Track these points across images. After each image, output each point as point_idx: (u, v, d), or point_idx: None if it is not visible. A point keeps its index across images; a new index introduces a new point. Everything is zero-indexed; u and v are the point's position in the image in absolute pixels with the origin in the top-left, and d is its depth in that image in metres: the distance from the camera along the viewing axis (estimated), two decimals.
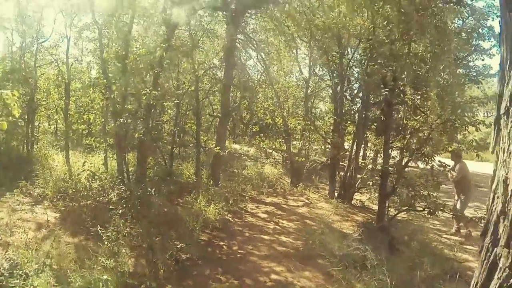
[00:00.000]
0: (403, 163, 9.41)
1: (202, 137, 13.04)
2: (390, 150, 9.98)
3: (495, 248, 1.81)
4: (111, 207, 8.44)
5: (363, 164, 13.90)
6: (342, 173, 13.56)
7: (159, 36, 11.05)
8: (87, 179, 9.66)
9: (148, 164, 11.38)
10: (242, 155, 18.00)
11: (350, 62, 14.41)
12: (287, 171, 16.39)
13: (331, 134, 14.39)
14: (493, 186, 1.92)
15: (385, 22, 10.05)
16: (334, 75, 14.40)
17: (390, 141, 10.11)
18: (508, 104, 1.83)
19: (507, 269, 1.72)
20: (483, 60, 19.93)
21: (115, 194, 9.13)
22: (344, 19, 12.55)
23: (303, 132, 14.75)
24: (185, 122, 14.53)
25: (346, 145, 15.65)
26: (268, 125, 18.43)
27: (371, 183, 10.64)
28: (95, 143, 11.07)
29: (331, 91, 15.78)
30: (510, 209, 1.72)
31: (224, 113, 12.99)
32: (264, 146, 17.28)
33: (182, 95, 12.64)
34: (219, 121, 13.63)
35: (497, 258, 1.79)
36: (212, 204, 9.63)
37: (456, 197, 10.51)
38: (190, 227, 8.22)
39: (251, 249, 7.97)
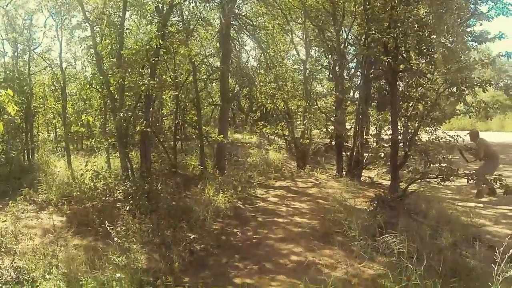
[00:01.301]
0: (413, 131, 9.18)
1: (204, 127, 12.83)
2: (397, 120, 9.76)
3: None
4: (118, 204, 8.30)
5: (368, 140, 13.74)
6: (348, 152, 13.40)
7: (153, 26, 10.85)
8: (91, 179, 9.44)
9: (152, 159, 11.22)
10: (245, 144, 17.81)
11: (347, 40, 14.27)
12: (292, 155, 16.29)
13: (333, 112, 14.17)
14: None
15: None
16: (333, 53, 14.23)
17: (397, 110, 9.93)
18: None
19: None
20: (481, 24, 19.51)
21: (121, 191, 9.03)
22: None
23: (305, 114, 14.53)
24: (185, 114, 14.32)
25: (348, 125, 15.46)
26: (269, 110, 18.21)
27: (382, 154, 10.39)
28: (96, 144, 10.91)
29: (328, 72, 15.62)
30: None
31: (225, 101, 12.77)
32: (267, 131, 17.05)
33: (180, 86, 12.42)
34: (220, 110, 13.44)
35: None
36: (221, 192, 9.46)
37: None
38: (201, 217, 7.99)
39: (266, 233, 7.77)
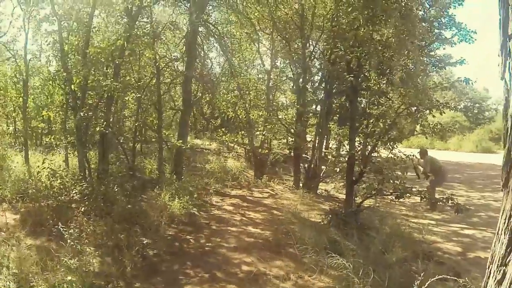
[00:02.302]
0: (369, 148, 9.48)
1: (164, 131, 12.84)
2: (355, 136, 10.07)
3: None
4: (73, 205, 8.17)
5: (327, 153, 14.03)
6: (306, 164, 13.62)
7: (120, 27, 10.82)
8: (47, 177, 9.27)
9: (110, 160, 11.16)
10: (205, 150, 17.85)
11: (313, 54, 14.50)
12: (250, 164, 16.33)
13: (294, 125, 14.41)
14: (509, 111, 1.88)
15: (350, 8, 10.08)
16: (297, 65, 14.46)
17: (356, 127, 10.21)
18: None
19: None
20: (444, 49, 20.36)
21: (77, 191, 8.83)
22: (307, 10, 12.65)
23: (265, 124, 14.72)
24: (146, 117, 14.30)
25: (309, 137, 15.74)
26: (230, 118, 18.24)
27: (338, 169, 10.66)
28: (55, 141, 10.77)
29: (292, 83, 15.85)
30: None
31: (186, 106, 12.81)
32: (226, 139, 17.17)
33: (143, 88, 12.41)
34: (181, 115, 13.44)
35: None
36: (177, 198, 9.44)
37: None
38: (155, 222, 8.02)
39: (219, 242, 7.85)
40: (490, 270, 1.93)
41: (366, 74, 10.15)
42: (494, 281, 1.83)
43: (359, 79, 9.89)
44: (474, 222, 10.17)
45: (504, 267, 1.78)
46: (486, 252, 7.57)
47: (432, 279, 4.14)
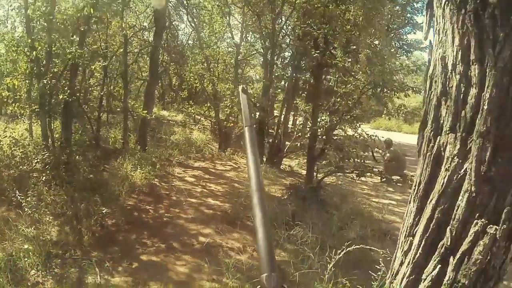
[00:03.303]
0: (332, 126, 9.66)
1: (130, 101, 12.82)
2: (319, 113, 10.25)
3: (438, 137, 1.70)
4: (34, 174, 8.16)
5: (291, 129, 14.19)
6: (270, 139, 13.82)
7: None
8: (9, 146, 9.24)
9: (74, 129, 11.13)
10: (171, 121, 17.84)
11: (283, 29, 14.53)
12: (215, 137, 16.42)
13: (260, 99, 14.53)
14: (429, 71, 1.84)
15: None
16: (266, 40, 14.51)
17: (320, 104, 10.39)
18: None
19: (455, 157, 1.60)
20: (415, 33, 20.54)
21: (38, 161, 8.79)
22: None
23: (232, 97, 14.79)
24: (113, 86, 14.19)
25: (277, 113, 15.90)
26: (197, 90, 18.39)
27: (299, 145, 10.91)
28: (18, 110, 10.68)
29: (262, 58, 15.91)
30: (452, 86, 1.62)
31: (152, 77, 12.77)
32: (192, 111, 17.23)
33: (110, 57, 12.35)
34: (147, 85, 13.38)
35: (442, 147, 1.68)
36: (139, 168, 9.48)
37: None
38: (116, 192, 8.07)
39: (178, 213, 7.95)
40: (400, 240, 1.94)
41: (332, 51, 10.28)
42: (401, 252, 1.83)
43: (325, 56, 10.03)
44: None
45: (411, 238, 1.79)
46: None
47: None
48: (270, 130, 14.53)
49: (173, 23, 17.04)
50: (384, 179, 10.76)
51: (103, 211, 7.18)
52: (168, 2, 13.17)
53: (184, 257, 6.19)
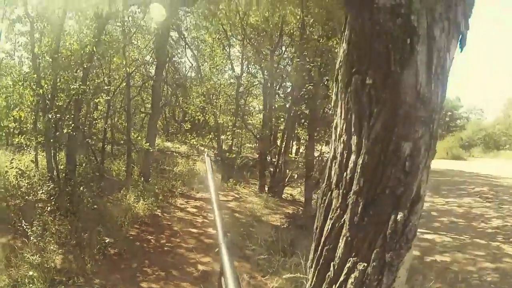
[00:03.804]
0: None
1: (133, 134, 13.08)
2: (314, 143, 10.45)
3: (329, 192, 1.94)
4: (40, 204, 8.36)
5: (293, 158, 14.34)
6: (272, 169, 13.98)
7: (90, 31, 11.01)
8: (15, 177, 9.48)
9: (80, 161, 11.36)
10: (174, 153, 18.06)
11: (282, 60, 14.83)
12: (218, 168, 16.51)
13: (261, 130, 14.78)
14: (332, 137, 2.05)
15: (312, 20, 10.49)
16: (265, 72, 14.81)
17: (316, 134, 10.60)
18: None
19: (338, 209, 1.86)
20: None
21: (44, 191, 9.04)
22: (277, 18, 12.99)
23: (233, 129, 15.05)
24: (116, 119, 14.47)
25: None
26: (200, 122, 18.68)
27: (296, 175, 11.09)
28: (25, 141, 10.91)
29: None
30: (338, 153, 1.88)
31: (155, 110, 13.05)
32: (195, 143, 17.48)
33: (113, 91, 12.66)
34: (149, 118, 13.63)
35: (332, 201, 1.93)
36: (142, 199, 9.72)
37: None
38: (119, 222, 8.29)
39: (179, 242, 8.12)
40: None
41: (325, 83, 10.56)
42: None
43: (319, 88, 10.29)
44: (435, 227, 10.39)
45: (310, 269, 2.09)
46: (443, 255, 8.02)
47: None
48: (272, 159, 14.69)
49: (175, 57, 17.42)
50: None
51: (106, 241, 7.40)
52: (169, 36, 13.49)
53: (182, 284, 6.37)
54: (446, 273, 6.98)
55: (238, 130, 15.09)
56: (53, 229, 7.21)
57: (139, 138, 12.91)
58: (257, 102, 19.18)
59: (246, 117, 15.99)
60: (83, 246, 6.97)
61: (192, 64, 19.47)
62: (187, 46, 17.56)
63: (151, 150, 11.84)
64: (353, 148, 1.79)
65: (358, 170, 1.75)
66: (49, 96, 10.11)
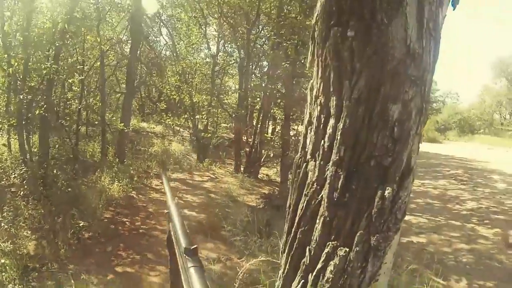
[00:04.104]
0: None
1: (108, 114, 12.94)
2: (289, 122, 10.42)
3: (304, 164, 1.72)
4: (12, 189, 8.24)
5: (269, 138, 14.33)
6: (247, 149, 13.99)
7: (62, 9, 10.75)
8: None
9: (54, 143, 11.20)
10: (150, 133, 17.93)
11: (258, 39, 14.72)
12: (194, 148, 16.44)
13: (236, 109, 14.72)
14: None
15: None
16: (242, 51, 14.70)
17: (291, 114, 10.57)
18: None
19: (314, 183, 1.64)
20: None
21: (16, 175, 8.87)
22: None
23: (209, 108, 14.98)
24: (91, 100, 14.27)
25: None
26: (175, 102, 18.52)
27: (271, 155, 11.10)
28: None
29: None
30: (314, 117, 1.67)
31: (129, 90, 12.89)
32: (171, 123, 17.39)
33: (87, 71, 12.46)
34: (124, 98, 13.49)
35: (307, 174, 1.71)
36: (116, 181, 9.63)
37: None
38: (93, 205, 8.16)
39: (154, 224, 8.09)
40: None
41: (302, 62, 10.51)
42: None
43: (296, 66, 10.24)
44: (411, 208, 10.36)
45: (283, 254, 1.89)
46: (419, 237, 8.13)
47: None
48: (248, 139, 14.67)
49: (151, 35, 17.19)
50: None
51: (80, 225, 7.29)
52: (144, 14, 13.29)
53: (158, 268, 6.33)
54: (422, 254, 7.08)
55: (214, 110, 15.02)
56: (26, 214, 7.07)
57: (114, 118, 12.77)
58: (233, 81, 19.12)
59: (222, 96, 15.91)
60: (56, 231, 6.85)
61: (167, 43, 19.30)
62: (162, 24, 17.34)
63: (126, 131, 11.73)
64: (332, 111, 1.59)
65: (338, 137, 1.54)
66: (21, 77, 9.88)
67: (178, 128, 18.72)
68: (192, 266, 1.18)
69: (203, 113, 15.01)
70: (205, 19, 15.73)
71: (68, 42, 10.86)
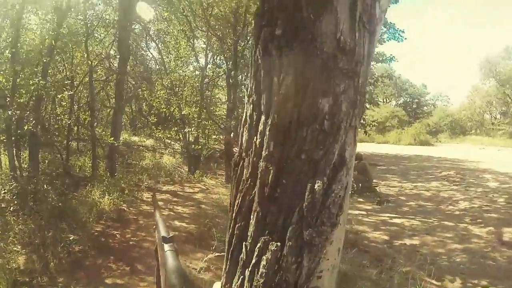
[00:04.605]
0: None
1: (98, 129, 12.98)
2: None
3: (241, 161, 1.72)
4: (2, 205, 8.22)
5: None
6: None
7: (49, 25, 10.81)
8: None
9: (44, 158, 11.22)
10: (141, 147, 17.97)
11: (246, 50, 14.84)
12: (185, 160, 16.52)
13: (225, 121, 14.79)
14: None
15: None
16: (229, 63, 14.80)
17: None
18: None
19: (248, 180, 1.64)
20: (377, 46, 20.75)
21: (6, 191, 8.83)
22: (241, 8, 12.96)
23: (198, 120, 15.04)
24: (81, 114, 14.30)
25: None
26: (166, 115, 18.63)
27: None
28: None
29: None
30: (248, 115, 1.68)
31: (118, 104, 12.95)
32: (161, 136, 17.42)
33: (75, 86, 12.52)
34: (113, 112, 13.55)
35: (243, 171, 1.70)
36: (107, 195, 9.63)
37: None
38: (83, 219, 8.17)
39: (144, 236, 8.06)
40: None
41: None
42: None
43: None
44: (403, 211, 10.67)
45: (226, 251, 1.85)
46: (412, 239, 8.17)
47: None
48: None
49: (139, 50, 17.29)
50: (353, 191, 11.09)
51: (70, 238, 7.29)
52: (131, 29, 13.38)
53: (147, 279, 6.33)
54: (416, 255, 7.15)
55: (204, 122, 15.09)
56: (16, 229, 7.08)
57: (104, 133, 12.82)
58: (223, 93, 19.24)
59: (212, 108, 15.99)
60: (46, 245, 6.85)
61: (154, 57, 19.41)
62: (150, 38, 17.45)
63: (116, 144, 11.77)
64: (263, 107, 1.59)
65: (267, 132, 1.54)
66: (10, 93, 9.92)
67: (169, 141, 18.77)
68: (168, 250, 1.24)
69: (193, 125, 15.05)
70: (193, 32, 15.81)
71: (57, 58, 10.91)
